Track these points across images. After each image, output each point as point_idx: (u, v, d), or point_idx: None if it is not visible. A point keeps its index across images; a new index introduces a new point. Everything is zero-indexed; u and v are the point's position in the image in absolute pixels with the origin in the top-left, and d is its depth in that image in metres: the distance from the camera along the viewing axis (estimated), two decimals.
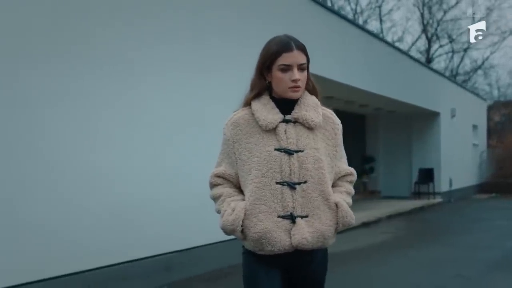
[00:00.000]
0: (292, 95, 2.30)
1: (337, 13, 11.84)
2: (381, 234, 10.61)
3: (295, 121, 2.32)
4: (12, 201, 4.71)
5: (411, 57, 16.14)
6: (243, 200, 2.32)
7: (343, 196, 2.40)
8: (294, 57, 2.26)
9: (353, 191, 2.48)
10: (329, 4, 33.05)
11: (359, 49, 12.08)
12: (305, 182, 2.26)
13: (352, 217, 2.34)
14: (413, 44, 33.88)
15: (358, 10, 33.95)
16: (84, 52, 5.38)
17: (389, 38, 36.54)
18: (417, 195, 17.40)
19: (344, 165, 2.48)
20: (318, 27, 10.20)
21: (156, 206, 6.12)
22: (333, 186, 2.41)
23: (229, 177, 2.39)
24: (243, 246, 2.38)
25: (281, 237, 2.22)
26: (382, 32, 33.91)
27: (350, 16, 33.42)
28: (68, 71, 5.21)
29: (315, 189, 2.27)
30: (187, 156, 6.59)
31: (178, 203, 6.40)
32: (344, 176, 2.47)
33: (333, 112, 2.47)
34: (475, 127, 22.13)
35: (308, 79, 2.37)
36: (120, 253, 5.68)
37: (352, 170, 2.51)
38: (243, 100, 2.42)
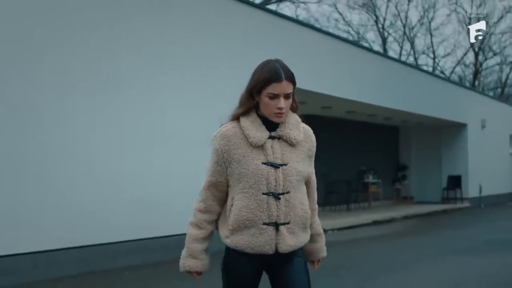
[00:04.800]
0: (276, 119, 2.51)
1: (350, 42, 13.56)
2: (386, 229, 12.01)
3: (280, 137, 2.54)
4: (76, 193, 6.84)
5: (433, 75, 17.64)
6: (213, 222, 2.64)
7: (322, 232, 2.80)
8: (282, 87, 2.45)
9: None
10: (381, 21, 34.52)
11: (375, 71, 13.82)
12: (288, 192, 2.50)
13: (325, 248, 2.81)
14: (462, 57, 34.78)
15: (409, 25, 35.08)
16: (114, 76, 7.38)
17: (440, 52, 37.50)
18: (446, 200, 18.70)
19: (312, 172, 2.71)
20: (330, 55, 11.96)
21: (171, 199, 7.96)
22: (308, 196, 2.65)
23: (215, 192, 2.62)
24: (226, 246, 2.58)
25: (267, 243, 2.48)
26: (432, 46, 34.97)
27: (401, 31, 34.69)
28: (104, 90, 7.23)
29: (296, 198, 2.52)
30: (198, 162, 8.44)
31: (190, 197, 8.22)
32: (314, 209, 2.74)
33: (310, 129, 2.69)
34: None
35: (293, 101, 2.57)
36: (144, 231, 7.62)
37: (316, 206, 2.77)
38: (231, 115, 2.60)
